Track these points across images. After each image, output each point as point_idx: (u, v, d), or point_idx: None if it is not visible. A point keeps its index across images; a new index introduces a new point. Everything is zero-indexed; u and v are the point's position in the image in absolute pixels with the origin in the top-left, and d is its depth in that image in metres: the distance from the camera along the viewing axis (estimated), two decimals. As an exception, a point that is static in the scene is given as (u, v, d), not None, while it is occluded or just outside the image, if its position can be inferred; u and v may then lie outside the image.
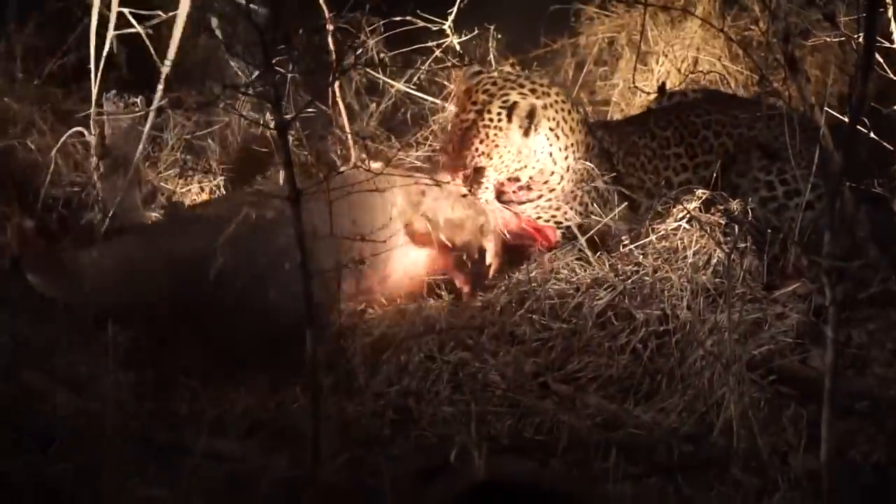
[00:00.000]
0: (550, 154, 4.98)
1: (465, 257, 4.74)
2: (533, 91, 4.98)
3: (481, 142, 4.88)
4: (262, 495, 3.44)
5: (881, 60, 4.18)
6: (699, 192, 4.85)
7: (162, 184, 5.33)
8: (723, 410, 3.83)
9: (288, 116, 3.51)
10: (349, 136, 5.46)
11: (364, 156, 5.31)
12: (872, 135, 4.39)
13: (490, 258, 4.81)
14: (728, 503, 3.57)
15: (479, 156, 4.88)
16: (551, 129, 4.97)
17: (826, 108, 4.55)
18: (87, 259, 4.36)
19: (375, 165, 4.51)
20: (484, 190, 4.91)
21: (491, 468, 3.56)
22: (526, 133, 4.90)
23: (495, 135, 4.88)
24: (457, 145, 4.90)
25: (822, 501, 2.96)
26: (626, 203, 5.09)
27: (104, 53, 4.81)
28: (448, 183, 4.84)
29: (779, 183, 5.15)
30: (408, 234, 4.69)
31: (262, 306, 4.25)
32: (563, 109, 5.03)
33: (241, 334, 4.23)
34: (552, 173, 5.00)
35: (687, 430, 3.86)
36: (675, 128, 5.31)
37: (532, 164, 4.97)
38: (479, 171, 4.90)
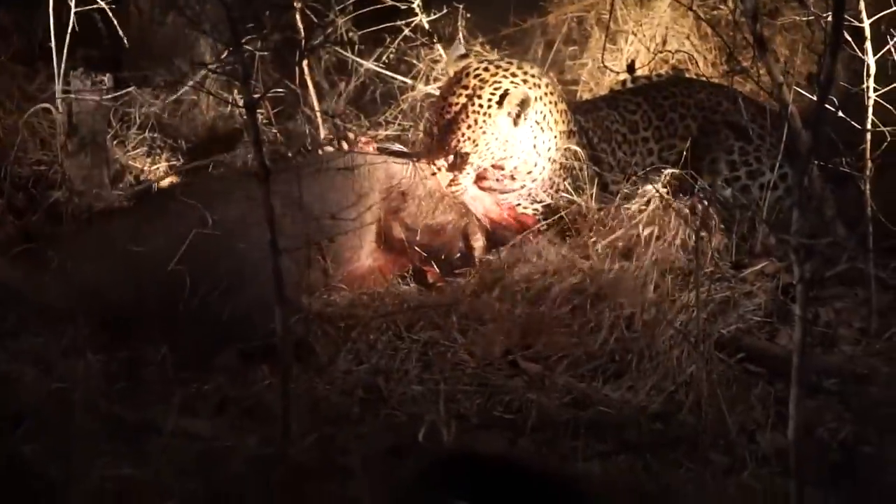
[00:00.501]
0: (535, 146, 4.97)
1: (442, 256, 4.73)
2: (525, 81, 4.96)
3: (469, 127, 4.86)
4: (233, 474, 3.43)
5: (850, 39, 4.18)
6: (667, 171, 4.86)
7: (130, 162, 5.30)
8: (691, 389, 3.85)
9: (256, 95, 3.50)
10: (318, 114, 5.44)
11: (334, 134, 5.30)
12: (840, 114, 4.40)
13: (477, 253, 4.81)
14: (697, 481, 3.58)
15: (464, 141, 4.87)
16: (537, 122, 4.96)
17: (794, 87, 4.57)
18: (62, 242, 4.33)
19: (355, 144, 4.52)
20: (465, 175, 4.90)
21: (460, 445, 3.57)
22: (515, 122, 4.89)
23: (484, 121, 4.87)
24: (442, 129, 4.88)
25: (789, 479, 2.97)
26: (599, 185, 5.10)
27: (68, 30, 4.78)
28: (431, 167, 4.84)
29: (742, 164, 5.17)
30: (384, 236, 4.67)
31: (228, 313, 4.23)
32: (551, 101, 5.03)
33: (210, 326, 4.20)
34: (535, 164, 5.00)
35: (656, 409, 3.87)
36: (644, 111, 5.32)
37: (517, 154, 4.97)
38: (463, 157, 4.89)
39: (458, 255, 4.74)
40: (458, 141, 4.86)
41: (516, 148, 4.95)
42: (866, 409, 3.78)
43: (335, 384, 3.96)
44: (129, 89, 5.51)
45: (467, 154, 4.87)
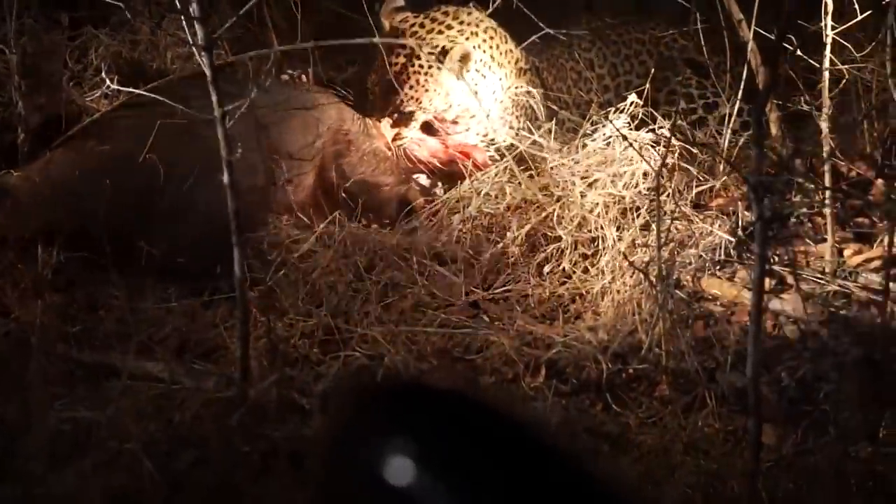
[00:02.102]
0: (476, 93, 4.94)
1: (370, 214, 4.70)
2: (462, 32, 4.93)
3: (411, 87, 4.84)
4: (192, 416, 3.42)
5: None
6: (627, 106, 4.85)
7: (87, 103, 5.25)
8: (651, 328, 3.85)
9: (214, 35, 3.47)
10: (278, 48, 5.39)
11: (292, 72, 5.26)
12: (799, 52, 4.39)
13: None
14: (656, 419, 3.59)
15: (408, 101, 4.85)
16: (478, 71, 4.93)
17: (753, 26, 4.56)
18: (16, 181, 4.30)
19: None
20: (410, 129, 4.88)
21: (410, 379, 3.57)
22: (458, 76, 4.87)
23: (426, 80, 4.84)
24: (384, 89, 4.85)
25: (748, 417, 2.98)
26: (555, 122, 5.08)
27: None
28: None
29: (698, 96, 5.18)
30: (317, 175, 4.64)
31: (194, 209, 4.20)
32: (492, 46, 5.00)
33: (174, 242, 4.17)
34: (477, 112, 4.97)
35: (615, 349, 3.87)
36: (599, 48, 5.32)
37: (459, 101, 4.94)
38: (407, 115, 4.87)
39: (386, 221, 4.69)
40: (401, 101, 4.84)
41: (458, 97, 4.93)
42: (825, 348, 3.80)
43: (295, 326, 3.95)
44: (85, 29, 5.45)
45: (412, 112, 4.86)
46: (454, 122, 4.99)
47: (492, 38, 5.02)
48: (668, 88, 5.26)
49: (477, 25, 4.99)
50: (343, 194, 4.62)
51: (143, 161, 4.15)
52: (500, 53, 5.03)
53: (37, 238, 4.10)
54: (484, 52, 4.97)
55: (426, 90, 4.85)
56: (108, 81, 4.78)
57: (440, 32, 4.91)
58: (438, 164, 4.93)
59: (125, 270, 4.10)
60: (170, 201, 4.22)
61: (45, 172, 4.32)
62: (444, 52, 4.84)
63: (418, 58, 4.84)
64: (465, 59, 4.84)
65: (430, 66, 4.84)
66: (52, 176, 4.31)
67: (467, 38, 4.92)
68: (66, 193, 4.24)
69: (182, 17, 5.07)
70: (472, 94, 4.91)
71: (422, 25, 4.93)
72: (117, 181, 4.19)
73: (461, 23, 4.96)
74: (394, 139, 4.87)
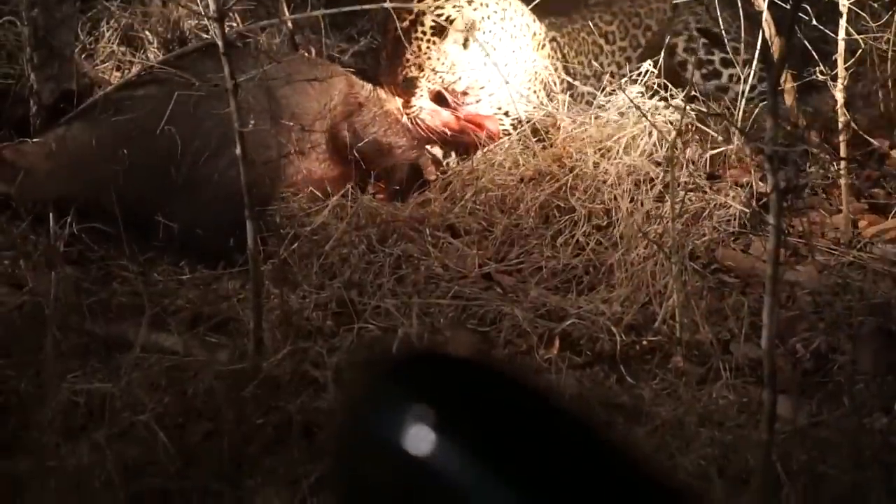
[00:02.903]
0: (485, 64, 4.92)
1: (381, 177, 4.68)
2: (470, 2, 4.90)
3: (412, 53, 4.81)
4: (205, 389, 3.42)
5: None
6: (642, 76, 4.84)
7: (99, 75, 5.24)
8: (665, 300, 3.84)
9: (226, 6, 3.46)
10: (289, 25, 5.38)
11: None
12: (815, 22, 4.37)
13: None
14: (671, 391, 3.59)
15: (409, 66, 4.82)
16: (487, 42, 4.90)
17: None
18: (34, 149, 4.31)
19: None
20: (419, 97, 4.86)
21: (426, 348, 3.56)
22: (464, 46, 4.84)
23: (428, 48, 4.82)
24: (390, 53, 4.84)
25: (763, 388, 2.97)
26: (571, 95, 5.08)
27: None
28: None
29: (721, 65, 5.17)
30: (329, 139, 4.63)
31: (210, 182, 4.20)
32: (503, 18, 4.97)
33: (190, 215, 4.17)
34: (489, 80, 4.95)
35: (630, 320, 3.86)
36: (620, 21, 5.30)
37: (467, 74, 4.92)
38: (410, 82, 4.85)
39: (397, 186, 4.68)
40: (404, 67, 4.82)
41: (466, 70, 4.90)
42: (839, 319, 3.79)
43: (308, 298, 3.94)
44: (97, 1, 5.44)
45: (415, 78, 4.84)
46: (464, 94, 4.97)
47: (504, 10, 4.99)
48: (680, 58, 5.25)
49: None
50: (355, 154, 4.61)
51: (158, 133, 4.15)
52: (514, 26, 5.00)
53: (49, 209, 4.09)
54: (494, 23, 4.94)
55: (428, 58, 4.83)
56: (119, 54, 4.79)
57: (448, 0, 4.89)
58: (451, 134, 4.91)
59: (139, 243, 4.11)
60: (185, 174, 4.22)
61: (61, 141, 4.32)
62: (448, 21, 4.82)
63: (422, 24, 4.82)
64: (470, 28, 4.81)
65: (433, 34, 4.81)
66: (67, 145, 4.31)
67: (475, 9, 4.89)
68: (82, 163, 4.24)
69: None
70: (483, 63, 4.88)
71: None
72: (133, 152, 4.19)
73: None
74: (404, 107, 4.85)
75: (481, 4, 4.93)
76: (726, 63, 5.19)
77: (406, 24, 4.82)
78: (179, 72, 4.26)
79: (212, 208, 4.15)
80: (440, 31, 4.81)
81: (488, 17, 4.93)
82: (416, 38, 4.81)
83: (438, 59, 4.83)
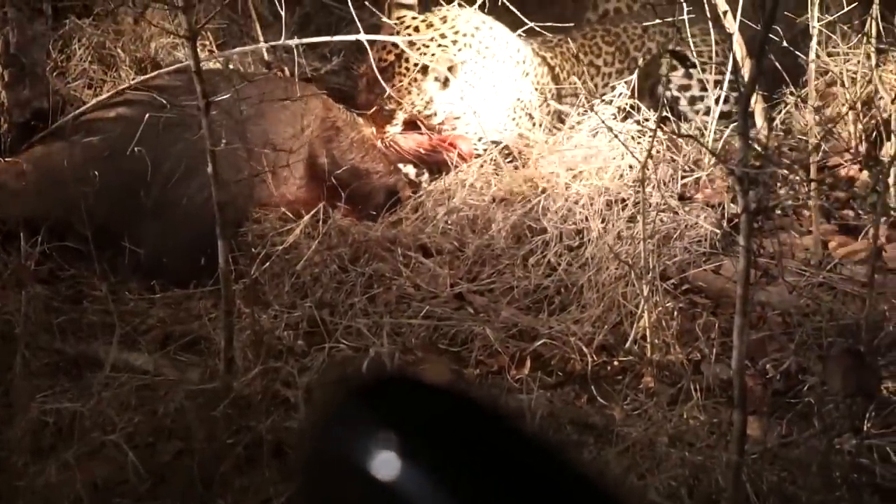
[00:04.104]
0: (462, 98, 4.94)
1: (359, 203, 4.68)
2: (455, 42, 4.92)
3: (393, 86, 4.84)
4: (175, 408, 3.41)
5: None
6: (614, 98, 4.86)
7: (71, 93, 5.23)
8: (636, 320, 3.85)
9: (198, 25, 3.45)
10: (262, 45, 5.38)
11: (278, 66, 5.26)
12: (785, 44, 4.39)
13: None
14: (641, 411, 3.59)
15: (389, 99, 4.85)
16: (467, 81, 4.93)
17: (738, 17, 4.55)
18: (5, 168, 4.30)
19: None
20: (394, 125, 4.89)
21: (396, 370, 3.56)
22: (443, 86, 4.87)
23: (409, 84, 4.84)
24: (371, 82, 4.85)
25: (733, 409, 2.98)
26: (557, 118, 5.11)
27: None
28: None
29: (697, 88, 5.20)
30: (307, 165, 4.63)
31: (180, 203, 4.19)
32: (485, 56, 4.99)
33: (160, 236, 4.17)
34: (464, 113, 4.98)
35: (601, 341, 3.87)
36: (622, 42, 5.34)
37: (444, 109, 4.95)
38: (388, 113, 4.88)
39: (374, 211, 4.67)
40: (384, 98, 4.84)
41: (443, 105, 4.93)
42: (810, 340, 3.80)
43: (279, 318, 3.94)
44: (69, 19, 5.43)
45: (393, 110, 4.87)
46: (441, 124, 4.99)
47: (488, 47, 5.01)
48: (650, 81, 5.28)
49: (473, 34, 4.99)
50: (333, 181, 4.60)
51: (130, 154, 4.14)
52: (498, 61, 5.02)
53: (20, 227, 4.08)
54: (476, 62, 4.96)
55: (409, 92, 4.86)
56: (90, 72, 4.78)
57: (432, 40, 4.91)
58: (423, 154, 4.93)
59: (111, 262, 4.10)
60: (156, 196, 4.21)
61: (33, 161, 4.32)
62: (431, 60, 4.84)
63: (406, 60, 4.84)
64: (451, 70, 4.84)
65: (416, 70, 4.83)
66: (39, 164, 4.31)
67: (460, 49, 4.92)
68: (54, 182, 4.24)
69: (166, 7, 5.09)
70: (460, 98, 4.91)
71: (416, 29, 4.92)
72: (104, 173, 4.19)
73: (456, 32, 4.96)
74: (378, 134, 4.88)
75: (465, 45, 4.95)
76: (703, 85, 5.21)
77: (390, 57, 4.84)
78: (151, 94, 4.26)
79: (181, 231, 4.15)
80: (423, 69, 4.83)
81: (472, 58, 4.95)
82: (398, 73, 4.84)
83: (418, 94, 4.86)
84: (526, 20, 4.84)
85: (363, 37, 4.47)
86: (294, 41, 4.43)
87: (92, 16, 5.61)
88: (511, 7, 4.84)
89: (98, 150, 4.27)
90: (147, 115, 4.16)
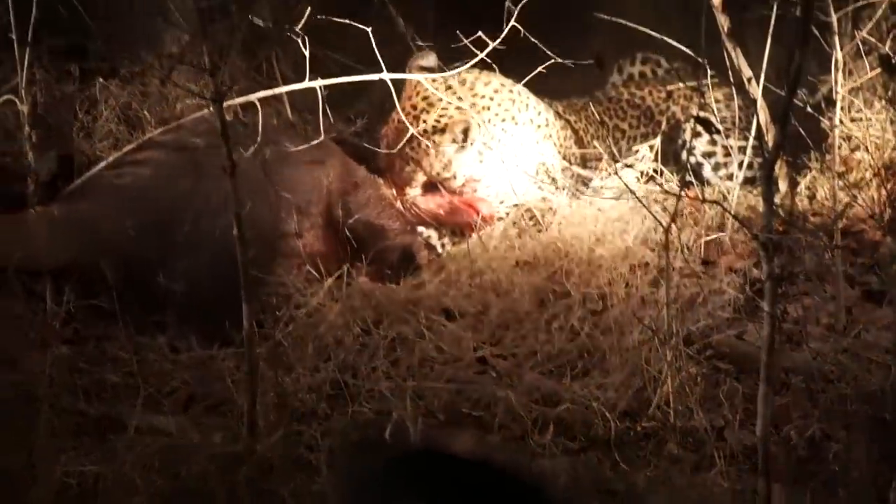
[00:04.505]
0: (481, 161, 4.96)
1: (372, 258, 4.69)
2: (473, 105, 4.95)
3: (412, 148, 4.88)
4: (198, 471, 3.41)
5: (817, 34, 4.19)
6: (637, 164, 4.88)
7: (97, 153, 5.26)
8: (660, 386, 3.83)
9: (225, 87, 3.47)
10: (287, 107, 5.42)
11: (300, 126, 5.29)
12: (809, 109, 4.40)
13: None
14: (665, 478, 3.57)
15: (407, 160, 4.87)
16: (485, 143, 4.95)
17: (763, 82, 4.56)
18: (35, 218, 4.32)
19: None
20: (413, 187, 4.91)
21: (427, 441, 3.56)
22: (460, 148, 4.89)
23: (427, 146, 4.87)
24: (390, 143, 4.87)
25: (758, 476, 2.96)
26: (579, 181, 5.12)
27: (32, 20, 4.72)
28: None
29: (722, 153, 5.21)
30: (324, 216, 4.64)
31: (210, 245, 4.21)
32: (505, 119, 5.02)
33: (190, 277, 4.18)
34: (484, 175, 5.00)
35: (624, 406, 3.85)
36: (647, 107, 5.36)
37: (464, 171, 4.96)
38: (407, 174, 4.90)
39: (388, 270, 4.68)
40: (402, 159, 4.86)
41: (462, 167, 4.95)
42: (834, 407, 3.78)
43: (302, 380, 3.94)
44: (96, 80, 5.47)
45: (412, 172, 4.88)
46: (461, 186, 5.01)
47: (507, 110, 5.03)
48: (674, 147, 5.29)
49: (492, 97, 5.01)
50: (347, 232, 4.61)
51: (159, 194, 4.17)
52: (517, 123, 5.04)
53: (46, 283, 4.10)
54: (495, 125, 4.98)
55: (427, 153, 4.88)
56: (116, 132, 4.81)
57: (450, 102, 4.93)
58: (443, 216, 4.94)
59: (137, 317, 4.10)
60: (186, 233, 4.23)
61: (63, 209, 4.34)
62: (449, 122, 4.86)
63: (424, 122, 4.86)
64: (466, 132, 4.86)
65: (433, 132, 4.85)
66: (69, 212, 4.33)
67: (479, 111, 4.94)
68: (84, 228, 4.26)
69: (192, 68, 5.12)
70: (479, 161, 4.92)
71: (436, 90, 4.95)
72: (135, 214, 4.22)
73: (475, 95, 4.98)
74: (398, 194, 4.90)
75: (483, 108, 4.98)
76: (727, 151, 5.22)
77: (409, 117, 4.86)
78: (178, 136, 4.30)
79: (212, 268, 4.16)
80: (441, 129, 4.85)
81: (489, 121, 4.97)
82: (416, 135, 4.85)
83: (437, 156, 4.88)
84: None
85: (386, 76, 4.48)
86: (317, 82, 4.43)
87: (118, 77, 5.65)
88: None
89: (127, 193, 4.30)
90: (175, 155, 4.19)
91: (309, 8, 5.46)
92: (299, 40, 4.31)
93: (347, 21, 4.58)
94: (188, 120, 4.70)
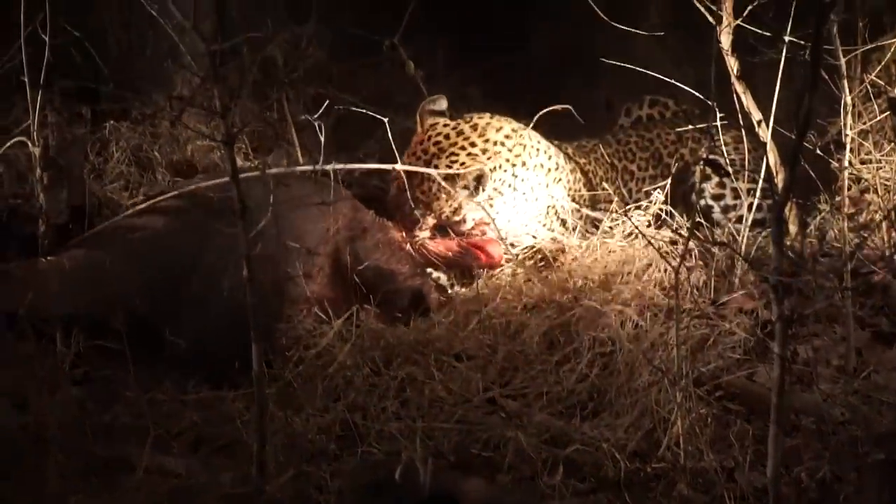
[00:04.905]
0: (491, 206, 4.98)
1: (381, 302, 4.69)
2: (485, 151, 4.96)
3: (423, 192, 4.88)
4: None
5: (826, 77, 4.20)
6: (647, 205, 4.89)
7: (108, 195, 5.28)
8: (670, 427, 3.83)
9: (235, 129, 3.49)
10: (297, 148, 5.44)
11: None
12: (818, 151, 4.41)
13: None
14: (675, 520, 3.57)
15: (418, 204, 4.88)
16: (496, 189, 4.97)
17: (772, 124, 4.57)
18: (47, 267, 4.33)
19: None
20: (423, 230, 4.93)
21: (437, 483, 3.55)
22: (472, 195, 4.90)
23: (438, 191, 4.88)
24: (402, 186, 4.88)
25: (768, 518, 2.96)
26: (589, 223, 5.14)
27: (44, 63, 4.75)
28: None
29: (731, 196, 5.22)
30: (332, 261, 4.64)
31: (218, 297, 4.22)
32: (516, 164, 5.03)
33: (199, 329, 4.19)
34: (493, 220, 5.00)
35: (634, 446, 3.85)
36: (655, 148, 5.38)
37: (473, 216, 4.98)
38: (417, 217, 4.91)
39: (398, 314, 4.68)
40: (413, 203, 4.87)
41: (472, 211, 4.96)
42: (844, 449, 3.77)
43: (312, 421, 3.94)
44: (107, 122, 5.50)
45: (422, 214, 4.90)
46: (472, 228, 5.02)
47: (518, 155, 5.05)
48: (683, 188, 5.30)
49: (503, 144, 5.02)
50: (356, 278, 4.61)
51: (170, 248, 4.19)
52: (528, 168, 5.05)
53: (56, 328, 4.10)
54: (505, 171, 5.00)
55: (437, 198, 4.89)
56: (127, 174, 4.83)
57: (462, 148, 4.95)
58: (453, 258, 4.95)
59: (145, 360, 4.11)
60: (195, 288, 4.24)
61: (75, 260, 4.35)
62: (462, 167, 4.88)
63: (436, 167, 4.87)
64: (480, 179, 4.87)
65: (444, 178, 4.86)
66: (81, 263, 4.34)
67: (489, 158, 4.95)
68: (94, 280, 4.27)
69: (203, 111, 5.15)
70: (490, 205, 4.94)
71: (447, 137, 4.97)
72: (145, 268, 4.23)
73: (486, 140, 5.00)
74: (407, 236, 4.91)
75: (495, 154, 4.99)
76: (737, 194, 5.23)
77: (420, 162, 4.88)
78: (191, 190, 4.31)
79: (220, 322, 4.17)
80: (452, 177, 4.86)
81: (500, 167, 4.99)
82: (429, 179, 4.87)
83: (448, 201, 4.89)
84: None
85: (400, 167, 4.51)
86: (331, 166, 4.46)
87: (130, 119, 5.68)
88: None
89: (139, 246, 4.32)
90: (187, 210, 4.21)
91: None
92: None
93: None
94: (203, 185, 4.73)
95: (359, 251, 4.67)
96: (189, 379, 4.16)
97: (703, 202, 5.26)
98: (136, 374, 4.05)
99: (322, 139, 4.34)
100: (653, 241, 4.48)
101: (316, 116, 4.33)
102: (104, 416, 3.91)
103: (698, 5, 4.48)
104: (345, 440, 3.90)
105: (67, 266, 4.33)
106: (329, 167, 4.48)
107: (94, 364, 4.14)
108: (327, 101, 4.64)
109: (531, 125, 5.15)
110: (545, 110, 5.10)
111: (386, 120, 4.53)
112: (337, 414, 3.98)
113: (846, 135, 4.32)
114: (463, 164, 4.91)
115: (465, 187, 4.90)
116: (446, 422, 3.99)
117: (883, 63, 4.69)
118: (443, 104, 5.16)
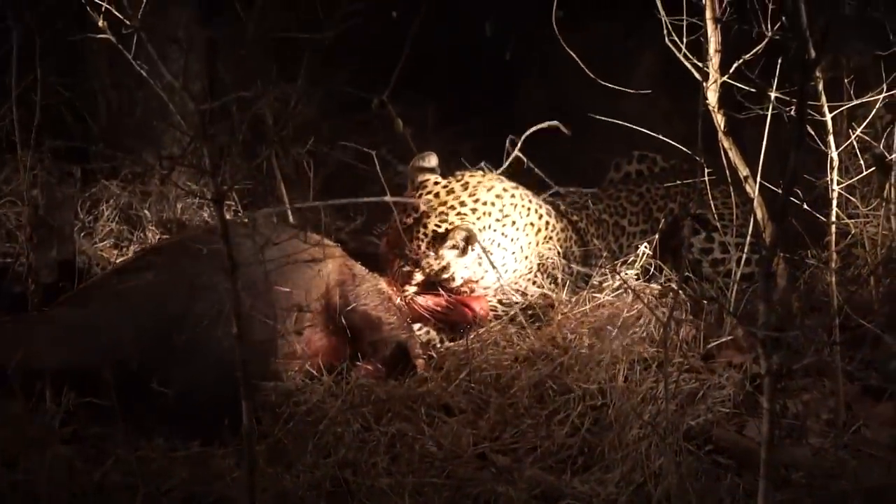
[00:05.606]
0: (480, 264, 5.00)
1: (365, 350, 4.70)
2: (475, 210, 4.99)
3: (411, 250, 4.90)
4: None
5: (812, 133, 4.23)
6: (637, 259, 4.91)
7: (98, 254, 5.29)
8: (660, 481, 3.83)
9: (225, 187, 3.49)
10: (288, 206, 5.45)
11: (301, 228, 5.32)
12: (805, 206, 4.43)
13: (420, 369, 4.76)
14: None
15: (407, 261, 4.90)
16: (484, 250, 4.98)
17: (759, 180, 4.59)
18: (37, 321, 4.33)
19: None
20: (412, 285, 4.94)
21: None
22: (460, 255, 4.92)
23: (427, 249, 4.90)
24: (391, 242, 4.90)
25: (759, 572, 2.96)
26: (580, 279, 5.15)
27: (35, 123, 4.77)
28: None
29: (719, 250, 5.23)
30: (322, 307, 4.65)
31: (208, 351, 4.21)
32: (505, 224, 5.06)
33: (188, 383, 4.18)
34: (482, 277, 5.03)
35: (624, 501, 3.84)
36: (646, 203, 5.41)
37: (462, 274, 5.00)
38: (406, 274, 4.93)
39: (380, 365, 4.68)
40: (401, 259, 4.89)
41: (460, 270, 4.98)
42: (834, 503, 3.77)
43: (302, 477, 3.93)
44: (98, 181, 5.52)
45: (410, 272, 4.91)
46: (461, 286, 5.04)
47: (507, 215, 5.07)
48: (672, 243, 5.32)
49: (493, 203, 5.05)
50: (343, 320, 4.62)
51: (160, 301, 4.19)
52: (517, 228, 5.08)
53: (46, 385, 4.09)
54: (494, 230, 5.03)
55: (426, 256, 4.91)
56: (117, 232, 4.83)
57: (452, 207, 4.97)
58: (440, 313, 4.96)
59: (135, 415, 4.10)
60: (185, 341, 4.24)
61: (64, 313, 4.35)
62: (450, 229, 4.90)
63: (424, 226, 4.90)
64: (468, 239, 4.89)
65: (434, 237, 4.89)
66: (70, 316, 4.33)
67: (478, 218, 4.97)
68: (84, 333, 4.26)
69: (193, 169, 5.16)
70: (478, 264, 4.96)
71: (437, 195, 4.99)
72: (135, 321, 4.23)
73: (476, 200, 5.02)
74: (396, 291, 4.92)
75: (484, 213, 5.02)
76: (725, 248, 5.25)
77: (410, 220, 4.91)
78: (181, 241, 4.32)
79: (210, 375, 4.17)
80: (441, 236, 4.88)
81: (489, 226, 5.01)
82: (417, 238, 4.89)
83: (436, 260, 4.91)
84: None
85: (389, 199, 4.51)
86: (320, 202, 4.49)
87: (120, 177, 5.70)
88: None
89: (128, 299, 4.32)
90: (176, 263, 4.22)
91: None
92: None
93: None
94: (191, 229, 4.74)
95: (348, 294, 4.69)
96: (179, 434, 4.14)
97: (691, 256, 5.28)
98: (125, 430, 4.05)
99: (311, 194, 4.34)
100: (641, 294, 4.49)
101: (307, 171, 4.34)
102: (94, 475, 3.89)
103: (685, 62, 4.51)
104: (335, 497, 3.89)
105: (56, 320, 4.33)
106: (318, 203, 4.49)
107: (83, 421, 4.13)
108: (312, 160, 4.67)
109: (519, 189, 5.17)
110: (533, 129, 5.16)
111: (387, 199, 4.56)
112: (327, 470, 3.97)
113: (833, 190, 4.34)
114: (451, 223, 4.92)
115: (454, 247, 4.91)
116: (437, 477, 3.98)
117: (868, 119, 4.71)
118: (433, 161, 5.18)
